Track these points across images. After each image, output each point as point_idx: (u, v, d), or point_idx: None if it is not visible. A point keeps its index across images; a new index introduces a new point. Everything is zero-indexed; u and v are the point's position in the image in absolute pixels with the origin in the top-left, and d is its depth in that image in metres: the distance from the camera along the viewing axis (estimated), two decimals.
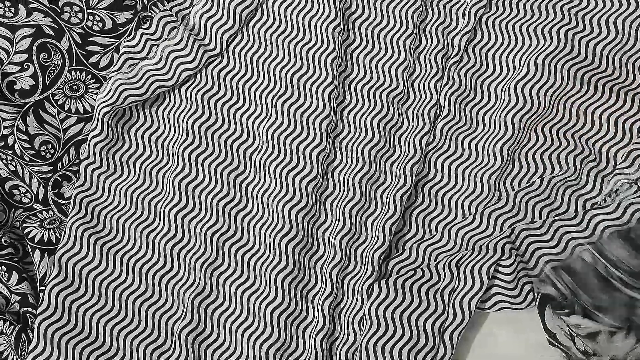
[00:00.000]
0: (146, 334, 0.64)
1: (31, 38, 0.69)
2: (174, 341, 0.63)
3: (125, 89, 0.68)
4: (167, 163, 0.70)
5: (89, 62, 0.71)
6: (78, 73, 0.71)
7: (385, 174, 0.68)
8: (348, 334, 0.62)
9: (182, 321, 0.63)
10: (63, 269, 0.65)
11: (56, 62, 0.70)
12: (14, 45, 0.69)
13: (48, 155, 0.68)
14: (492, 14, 0.71)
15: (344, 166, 0.68)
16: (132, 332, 0.63)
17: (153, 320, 0.64)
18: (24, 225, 0.67)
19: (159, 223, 0.67)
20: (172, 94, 0.71)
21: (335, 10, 0.70)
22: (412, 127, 0.68)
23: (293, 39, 0.71)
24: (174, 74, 0.70)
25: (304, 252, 0.65)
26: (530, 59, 0.68)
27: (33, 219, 0.68)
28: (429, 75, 0.70)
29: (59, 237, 0.67)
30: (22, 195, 0.69)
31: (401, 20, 0.71)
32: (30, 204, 0.69)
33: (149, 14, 0.71)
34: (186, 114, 0.70)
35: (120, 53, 0.70)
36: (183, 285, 0.64)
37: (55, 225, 0.67)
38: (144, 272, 0.65)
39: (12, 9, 0.69)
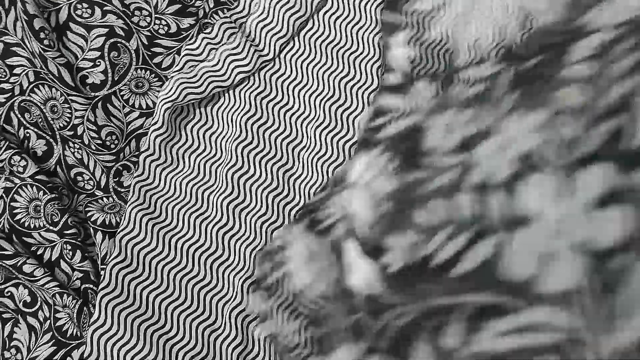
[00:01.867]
0: (198, 312, 0.67)
1: (104, 37, 0.74)
2: (224, 320, 0.67)
3: (185, 87, 0.73)
4: (220, 157, 0.74)
5: (153, 62, 0.76)
6: (143, 71, 0.75)
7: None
8: None
9: (232, 302, 0.67)
10: (123, 250, 0.69)
11: (124, 61, 0.75)
12: (88, 42, 0.74)
13: (112, 146, 0.73)
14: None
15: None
16: (185, 312, 0.67)
17: (205, 301, 0.68)
18: (86, 209, 0.72)
19: (212, 212, 0.71)
20: (226, 94, 0.76)
21: (376, 21, 0.75)
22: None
23: (341, 47, 0.75)
24: (230, 76, 0.74)
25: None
26: None
27: (95, 204, 0.72)
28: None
29: (119, 221, 0.71)
30: (86, 182, 0.73)
31: None
32: (92, 191, 0.73)
33: (209, 21, 0.76)
34: (239, 113, 0.74)
35: (181, 55, 0.74)
36: (233, 269, 0.68)
37: (116, 211, 0.72)
38: (197, 256, 0.69)
39: (89, 10, 0.74)
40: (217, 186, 0.72)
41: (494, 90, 0.50)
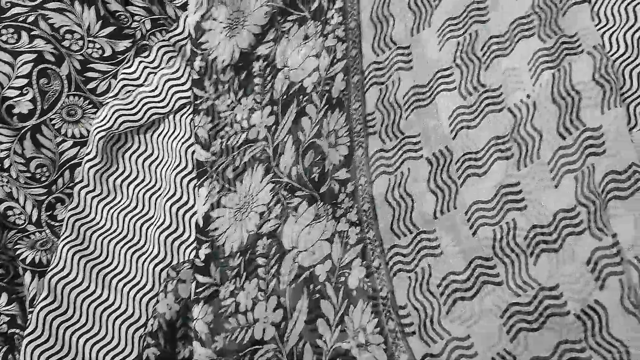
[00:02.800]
0: (132, 357, 0.63)
1: (32, 64, 0.69)
2: None
3: (121, 115, 0.68)
4: (159, 187, 0.69)
5: (87, 87, 0.71)
6: (76, 98, 0.71)
7: None
8: None
9: None
10: (52, 291, 0.64)
11: (55, 88, 0.70)
12: (15, 70, 0.69)
13: (43, 178, 0.68)
14: None
15: None
16: (118, 356, 0.63)
17: (140, 344, 0.63)
18: (15, 247, 0.67)
19: (149, 246, 0.66)
20: (167, 120, 0.71)
21: None
22: None
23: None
24: (170, 101, 0.70)
25: None
26: None
27: (25, 240, 0.67)
28: None
29: (50, 258, 0.66)
30: (16, 216, 0.68)
31: None
32: (24, 225, 0.68)
33: (148, 42, 0.72)
34: (180, 140, 0.70)
35: (117, 80, 0.70)
36: None
37: (48, 247, 0.67)
38: (132, 295, 0.64)
39: (15, 36, 0.69)
40: (156, 219, 0.68)
41: None
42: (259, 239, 0.60)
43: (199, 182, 0.65)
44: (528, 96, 0.52)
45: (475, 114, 0.54)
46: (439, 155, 0.55)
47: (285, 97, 0.65)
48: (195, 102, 0.68)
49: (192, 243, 0.65)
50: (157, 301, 0.61)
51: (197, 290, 0.60)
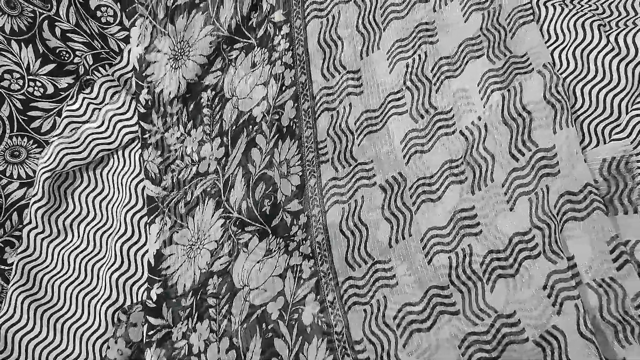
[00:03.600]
0: None
1: None
2: None
3: (66, 154, 0.66)
4: (110, 225, 0.67)
5: (30, 127, 0.69)
6: (19, 139, 0.69)
7: None
8: None
9: None
10: (2, 339, 0.62)
11: None
12: None
13: None
14: None
15: None
16: None
17: None
18: None
19: (100, 288, 0.64)
20: (115, 156, 0.70)
21: None
22: None
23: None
24: (117, 137, 0.68)
25: None
26: None
27: None
28: None
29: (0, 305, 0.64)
30: None
31: None
32: None
33: (92, 77, 0.70)
34: (129, 175, 0.68)
35: (62, 117, 0.68)
36: None
37: None
38: (85, 339, 0.62)
39: None
40: (107, 258, 0.66)
41: None
42: (209, 278, 0.59)
43: (150, 219, 0.63)
44: (479, 118, 0.51)
45: (428, 137, 0.53)
46: (393, 181, 0.54)
47: (234, 127, 0.63)
48: (144, 137, 0.66)
49: (143, 283, 0.64)
50: (108, 347, 0.59)
51: (149, 333, 0.58)
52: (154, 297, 0.59)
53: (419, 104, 0.55)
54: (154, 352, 0.57)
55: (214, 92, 0.66)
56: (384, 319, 0.50)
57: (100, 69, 0.69)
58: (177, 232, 0.62)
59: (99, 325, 0.63)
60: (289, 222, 0.57)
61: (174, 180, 0.65)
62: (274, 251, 0.57)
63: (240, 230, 0.59)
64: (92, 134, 0.67)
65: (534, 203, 0.47)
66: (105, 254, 0.66)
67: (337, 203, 0.56)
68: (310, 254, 0.55)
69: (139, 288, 0.63)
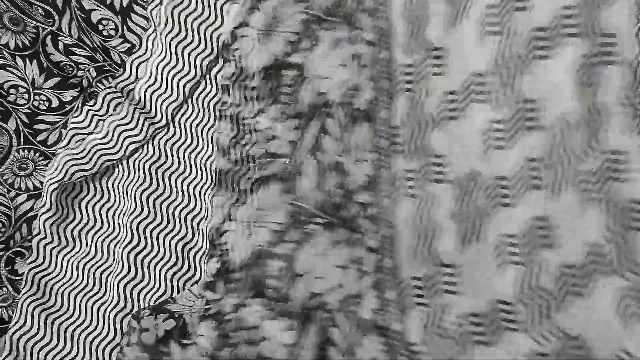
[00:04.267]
0: None
1: None
2: None
3: (72, 165, 0.68)
4: (117, 234, 0.69)
5: (37, 140, 0.70)
6: (26, 152, 0.70)
7: None
8: None
9: None
10: (15, 348, 0.63)
11: (3, 143, 0.69)
12: None
13: None
14: None
15: None
16: None
17: None
18: None
19: (109, 295, 0.66)
20: (120, 166, 0.71)
21: None
22: None
23: (236, 107, 0.71)
24: (121, 147, 0.69)
25: None
26: None
27: None
28: None
29: (11, 315, 0.65)
30: None
31: None
32: None
33: (95, 90, 0.71)
34: (134, 185, 0.69)
35: (67, 129, 0.69)
36: None
37: (8, 304, 0.66)
38: (94, 346, 0.64)
39: None
40: (115, 266, 0.67)
41: None
42: (270, 258, 0.57)
43: (212, 192, 0.62)
44: (564, 112, 0.46)
45: (511, 132, 0.49)
46: (466, 179, 0.50)
47: (308, 109, 0.60)
48: (221, 108, 0.63)
49: (151, 289, 0.65)
50: (124, 353, 0.60)
51: (205, 307, 0.57)
52: (214, 271, 0.58)
53: (504, 90, 0.49)
54: (207, 324, 0.56)
55: (296, 70, 0.62)
56: (444, 325, 0.49)
57: (103, 81, 0.71)
58: (238, 209, 0.60)
59: (108, 331, 0.64)
60: (357, 214, 0.55)
61: (242, 155, 0.63)
62: (339, 242, 0.55)
63: (307, 220, 0.57)
64: (97, 144, 0.69)
65: (605, 211, 0.44)
66: (113, 261, 0.67)
67: (407, 196, 0.52)
68: (376, 248, 0.53)
69: (146, 294, 0.65)
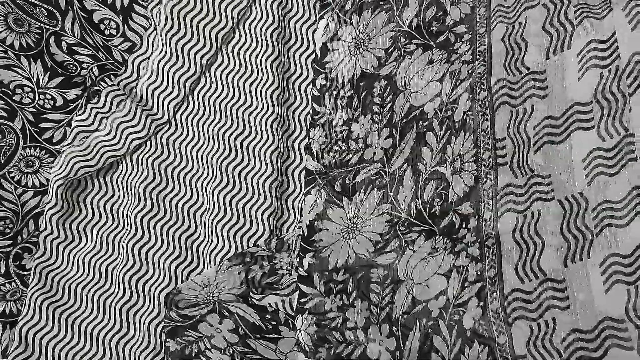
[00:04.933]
0: None
1: None
2: None
3: (77, 162, 0.69)
4: (122, 229, 0.70)
5: (42, 138, 0.72)
6: (32, 149, 0.72)
7: None
8: None
9: None
10: (24, 341, 0.65)
11: (10, 142, 0.71)
12: None
13: (7, 230, 0.69)
14: None
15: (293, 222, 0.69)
16: None
17: None
18: None
19: (115, 288, 0.67)
20: (124, 162, 0.72)
21: (274, 75, 0.71)
22: None
23: (235, 103, 0.72)
24: (124, 144, 0.71)
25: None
26: None
27: None
28: None
29: (20, 308, 0.67)
30: None
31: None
32: None
33: (98, 88, 0.72)
34: (137, 180, 0.70)
35: (72, 127, 0.71)
36: (139, 347, 0.64)
37: (17, 298, 0.68)
38: (101, 337, 0.65)
39: None
40: (120, 260, 0.68)
41: None
42: (372, 267, 0.58)
43: (305, 190, 0.63)
44: None
45: (615, 160, 0.49)
46: (572, 200, 0.51)
47: (404, 120, 0.62)
48: (314, 117, 0.66)
49: (155, 281, 0.66)
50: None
51: (300, 300, 0.58)
52: (306, 266, 0.59)
53: (609, 121, 0.50)
54: (304, 319, 0.57)
55: (386, 82, 0.65)
56: (552, 340, 0.49)
57: (106, 79, 0.72)
58: (332, 210, 0.62)
59: (114, 323, 0.65)
60: (458, 225, 0.56)
61: (334, 161, 0.65)
62: (439, 250, 0.56)
63: (407, 230, 0.58)
64: (101, 141, 0.70)
65: None
66: (118, 255, 0.68)
67: (511, 211, 0.53)
68: (479, 257, 0.54)
69: (150, 287, 0.66)
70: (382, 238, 0.60)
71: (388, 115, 0.65)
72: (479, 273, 0.53)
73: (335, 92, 0.68)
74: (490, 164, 0.56)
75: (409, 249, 0.58)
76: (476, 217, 0.56)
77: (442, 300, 0.54)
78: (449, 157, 0.59)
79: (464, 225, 0.56)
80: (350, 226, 0.61)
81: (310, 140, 0.65)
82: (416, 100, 0.63)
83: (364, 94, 0.66)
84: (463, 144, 0.58)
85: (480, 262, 0.54)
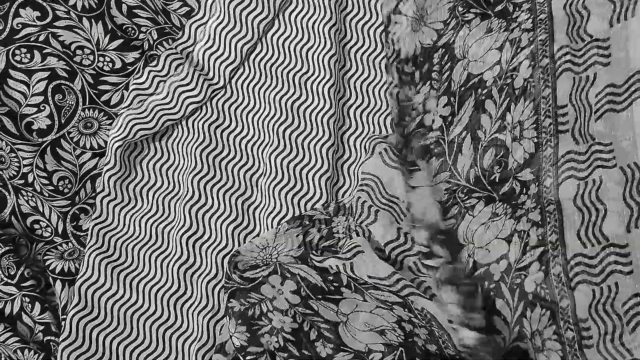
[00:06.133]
0: (164, 355, 0.64)
1: (46, 81, 0.70)
2: None
3: (135, 124, 0.70)
4: (178, 191, 0.70)
5: (101, 100, 0.72)
6: (91, 111, 0.72)
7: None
8: None
9: (197, 342, 0.63)
10: (83, 298, 0.65)
11: (70, 102, 0.71)
12: (31, 88, 0.70)
13: (66, 190, 0.70)
14: None
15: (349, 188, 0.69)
16: (150, 355, 0.64)
17: (170, 343, 0.64)
18: (45, 257, 0.68)
19: (171, 249, 0.67)
20: (179, 126, 0.72)
21: (331, 41, 0.71)
22: None
23: (291, 69, 0.72)
24: (181, 108, 0.71)
25: None
26: None
27: (54, 252, 0.69)
28: None
29: (78, 267, 0.67)
30: (43, 229, 0.69)
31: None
32: (50, 237, 0.69)
33: (155, 52, 0.73)
34: (194, 144, 0.71)
35: (129, 90, 0.71)
36: (196, 307, 0.64)
37: (75, 257, 0.68)
38: (159, 297, 0.65)
39: (28, 55, 0.70)
40: (176, 222, 0.68)
41: None
42: (437, 234, 0.59)
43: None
44: None
45: None
46: (634, 167, 0.51)
47: (462, 89, 0.63)
48: (388, 87, 0.68)
49: (213, 243, 0.67)
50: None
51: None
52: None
53: None
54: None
55: (444, 50, 0.66)
56: (614, 304, 0.49)
57: (164, 43, 0.72)
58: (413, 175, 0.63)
59: (172, 283, 0.66)
60: (518, 191, 0.56)
61: (402, 134, 0.66)
62: (500, 215, 0.56)
63: (467, 197, 0.59)
64: (158, 105, 0.70)
65: None
66: (174, 217, 0.69)
67: (572, 178, 0.53)
68: (540, 222, 0.54)
69: (207, 248, 0.66)
70: (443, 206, 0.60)
71: (446, 84, 0.65)
72: (540, 238, 0.53)
73: (399, 66, 0.68)
74: (551, 130, 0.56)
75: (469, 214, 0.58)
76: (536, 183, 0.55)
77: (504, 264, 0.55)
78: (508, 124, 0.59)
79: (524, 192, 0.56)
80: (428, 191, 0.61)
81: (391, 108, 0.67)
82: (475, 69, 0.63)
83: (425, 68, 0.67)
84: (523, 111, 0.58)
85: (542, 227, 0.54)
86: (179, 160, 0.71)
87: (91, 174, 0.71)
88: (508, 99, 0.59)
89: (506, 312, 0.53)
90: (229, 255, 0.61)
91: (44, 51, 0.71)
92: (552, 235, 0.53)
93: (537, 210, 0.54)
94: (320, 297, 0.59)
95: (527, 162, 0.56)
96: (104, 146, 0.71)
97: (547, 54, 0.58)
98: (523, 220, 0.54)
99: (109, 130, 0.71)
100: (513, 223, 0.55)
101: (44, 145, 0.69)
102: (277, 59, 0.72)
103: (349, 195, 0.67)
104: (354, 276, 0.57)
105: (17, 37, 0.70)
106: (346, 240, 0.61)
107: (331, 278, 0.59)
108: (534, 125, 0.57)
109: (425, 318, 0.55)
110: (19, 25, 0.71)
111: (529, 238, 0.54)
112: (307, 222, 0.64)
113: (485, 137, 0.59)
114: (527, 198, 0.55)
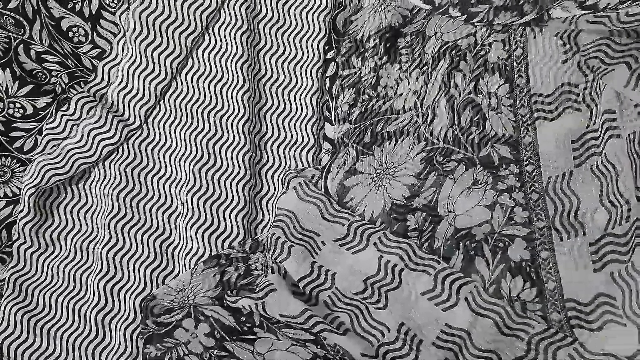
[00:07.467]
0: None
1: None
2: None
3: (49, 169, 0.68)
4: (96, 235, 0.69)
5: (13, 147, 0.71)
6: (3, 159, 0.71)
7: None
8: None
9: None
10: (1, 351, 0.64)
11: None
12: None
13: None
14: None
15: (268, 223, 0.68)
16: None
17: None
18: None
19: (90, 295, 0.66)
20: (96, 169, 0.71)
21: (244, 77, 0.71)
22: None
23: (206, 107, 0.71)
24: (96, 150, 0.70)
25: None
26: None
27: None
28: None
29: None
30: None
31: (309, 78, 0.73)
32: None
33: (68, 95, 0.72)
34: (110, 186, 0.70)
35: (42, 135, 0.70)
36: (114, 354, 0.63)
37: None
38: (77, 345, 0.64)
39: None
40: (94, 266, 0.67)
41: None
42: (409, 213, 0.59)
43: (330, 159, 0.65)
44: None
45: None
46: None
47: (436, 55, 0.63)
48: (342, 83, 0.68)
49: (131, 287, 0.66)
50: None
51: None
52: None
53: None
54: None
55: (413, 36, 0.67)
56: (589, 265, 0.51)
57: (76, 86, 0.72)
58: (361, 162, 0.63)
59: (89, 330, 0.64)
60: (497, 162, 0.58)
61: (362, 110, 0.66)
62: (481, 183, 0.57)
63: (446, 160, 0.59)
64: (73, 149, 0.69)
65: None
66: (92, 262, 0.67)
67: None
68: (524, 205, 0.55)
69: (126, 292, 0.65)
70: (418, 178, 0.60)
71: (418, 60, 0.66)
72: (525, 220, 0.55)
73: (362, 49, 0.69)
74: (527, 120, 0.58)
75: (449, 178, 0.59)
76: (518, 165, 0.57)
77: (487, 227, 0.56)
78: (483, 91, 0.60)
79: (504, 167, 0.58)
80: (382, 171, 0.61)
81: (340, 106, 0.67)
82: (448, 37, 0.64)
83: (389, 43, 0.67)
84: (499, 86, 0.59)
85: (527, 210, 0.56)
86: (96, 204, 0.70)
87: (6, 222, 0.69)
88: (482, 68, 0.60)
89: (485, 272, 0.54)
90: (143, 299, 0.60)
91: None
92: (539, 221, 0.55)
93: (521, 193, 0.56)
94: (235, 338, 0.58)
95: (506, 141, 0.58)
96: (18, 193, 0.70)
97: (520, 44, 0.60)
98: (506, 196, 0.56)
99: (22, 177, 0.70)
100: (495, 194, 0.56)
101: None
102: (192, 96, 0.72)
103: (267, 230, 0.67)
104: (266, 315, 0.57)
105: None
106: (263, 277, 0.61)
107: (243, 319, 0.58)
108: (511, 108, 0.59)
109: (339, 353, 0.55)
110: None
111: (515, 215, 0.55)
112: (224, 261, 0.63)
113: (461, 94, 0.61)
114: (509, 174, 0.57)
